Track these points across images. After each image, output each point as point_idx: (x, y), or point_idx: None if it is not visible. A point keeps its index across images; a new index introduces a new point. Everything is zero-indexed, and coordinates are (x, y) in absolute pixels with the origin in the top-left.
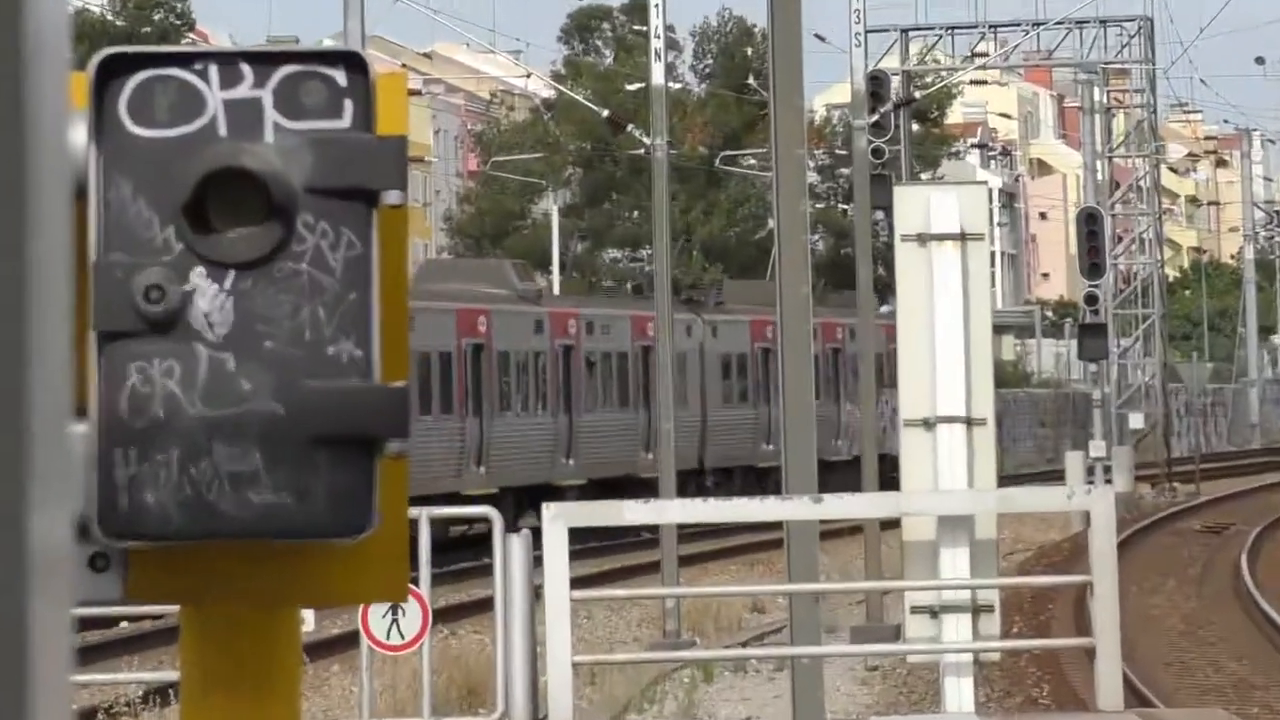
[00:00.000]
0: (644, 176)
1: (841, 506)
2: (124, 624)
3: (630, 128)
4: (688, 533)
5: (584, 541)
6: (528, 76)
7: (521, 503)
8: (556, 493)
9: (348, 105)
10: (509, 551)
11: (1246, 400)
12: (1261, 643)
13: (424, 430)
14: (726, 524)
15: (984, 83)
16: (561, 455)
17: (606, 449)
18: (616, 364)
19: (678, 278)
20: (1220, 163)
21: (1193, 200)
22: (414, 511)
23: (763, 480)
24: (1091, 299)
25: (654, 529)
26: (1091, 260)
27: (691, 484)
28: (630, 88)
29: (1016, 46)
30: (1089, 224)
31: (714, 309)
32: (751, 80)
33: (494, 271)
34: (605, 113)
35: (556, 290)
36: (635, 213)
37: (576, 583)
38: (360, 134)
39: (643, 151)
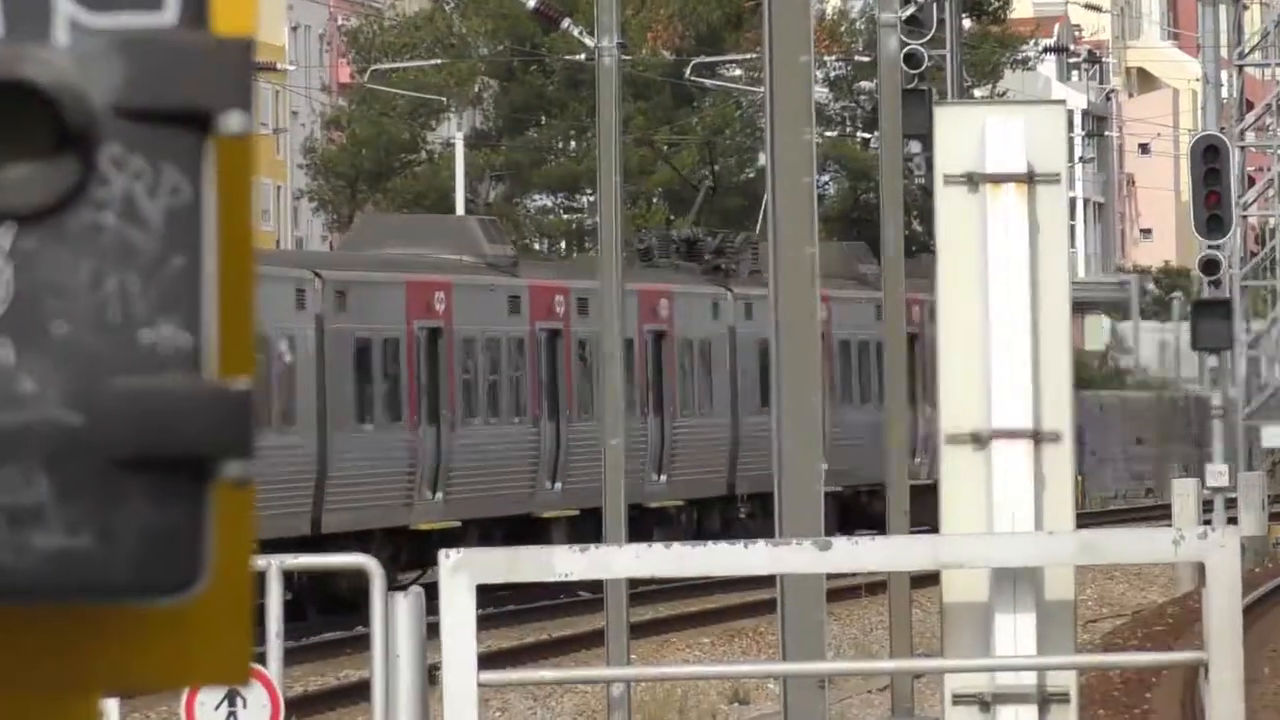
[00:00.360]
0: (585, 92)
1: (857, 554)
2: None
3: (567, 24)
4: (645, 591)
5: (500, 604)
6: None
7: (492, 540)
8: (539, 527)
9: None
10: (393, 616)
11: None
12: None
13: (363, 444)
14: (698, 579)
15: None
16: (545, 477)
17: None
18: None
19: (699, 237)
20: None
21: None
22: (262, 561)
23: None
24: (1211, 266)
25: (597, 586)
26: (1211, 211)
27: (717, 514)
28: None
29: None
30: (1209, 160)
31: (748, 280)
32: None
33: (455, 231)
34: (531, 2)
35: None
36: (573, 143)
37: (488, 660)
38: (189, 33)
39: (584, 57)
